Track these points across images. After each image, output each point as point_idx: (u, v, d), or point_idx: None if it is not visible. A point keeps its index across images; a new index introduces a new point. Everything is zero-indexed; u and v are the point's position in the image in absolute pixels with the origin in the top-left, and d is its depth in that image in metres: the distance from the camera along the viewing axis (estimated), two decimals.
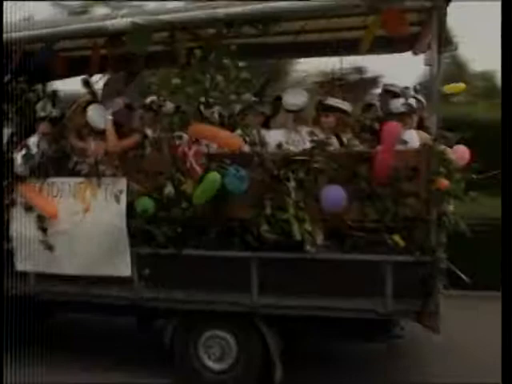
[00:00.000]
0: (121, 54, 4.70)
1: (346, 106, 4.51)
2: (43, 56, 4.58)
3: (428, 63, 4.11)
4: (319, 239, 3.99)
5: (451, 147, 4.41)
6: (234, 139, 4.12)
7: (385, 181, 3.83)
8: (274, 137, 4.29)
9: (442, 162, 3.89)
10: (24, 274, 4.60)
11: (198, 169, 4.00)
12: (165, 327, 4.56)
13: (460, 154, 4.53)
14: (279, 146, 4.20)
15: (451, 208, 4.15)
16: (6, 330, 4.30)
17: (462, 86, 5.74)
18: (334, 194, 3.92)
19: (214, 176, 3.92)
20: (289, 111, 4.55)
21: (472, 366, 4.87)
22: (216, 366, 4.44)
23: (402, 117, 4.35)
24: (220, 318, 4.38)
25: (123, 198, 4.29)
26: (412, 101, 4.54)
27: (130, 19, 4.10)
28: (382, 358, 5.13)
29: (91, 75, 5.18)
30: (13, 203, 4.53)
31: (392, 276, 3.93)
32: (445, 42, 4.46)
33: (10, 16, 4.72)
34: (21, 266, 4.56)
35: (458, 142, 4.59)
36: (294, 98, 4.54)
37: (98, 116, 4.52)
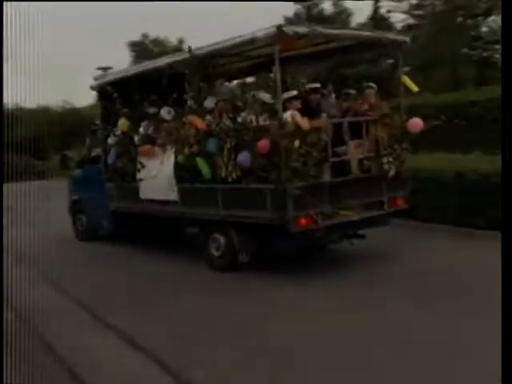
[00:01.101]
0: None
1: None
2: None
3: None
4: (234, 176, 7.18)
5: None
6: None
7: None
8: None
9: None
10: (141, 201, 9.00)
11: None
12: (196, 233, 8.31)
13: (417, 123, 7.69)
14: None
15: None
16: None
17: (414, 88, 7.93)
18: (243, 156, 7.04)
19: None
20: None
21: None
22: (216, 253, 7.92)
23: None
24: (215, 226, 7.86)
25: (172, 159, 8.19)
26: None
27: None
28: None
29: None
30: (137, 160, 8.92)
31: (270, 197, 6.81)
32: None
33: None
34: (142, 194, 8.96)
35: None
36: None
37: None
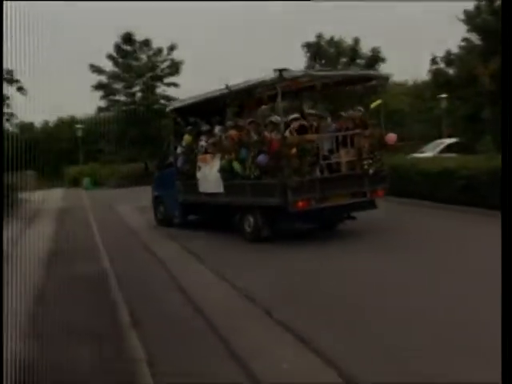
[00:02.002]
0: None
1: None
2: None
3: None
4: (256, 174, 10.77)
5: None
6: None
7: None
8: None
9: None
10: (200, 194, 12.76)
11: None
12: (235, 215, 11.91)
13: (391, 137, 10.97)
14: None
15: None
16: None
17: (378, 101, 10.96)
18: (261, 157, 10.61)
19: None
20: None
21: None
22: (248, 229, 11.56)
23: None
24: (247, 209, 11.53)
25: (218, 163, 11.88)
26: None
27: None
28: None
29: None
30: (197, 164, 12.67)
31: (278, 188, 10.36)
32: None
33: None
34: (200, 188, 12.70)
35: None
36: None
37: None
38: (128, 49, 39.29)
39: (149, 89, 39.30)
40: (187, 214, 14.27)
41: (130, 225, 16.01)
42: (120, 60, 39.03)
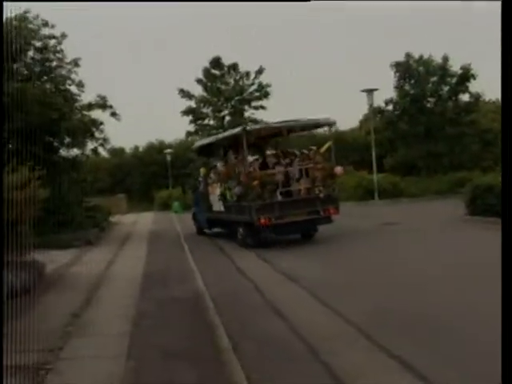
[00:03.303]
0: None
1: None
2: None
3: None
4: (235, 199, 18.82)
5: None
6: None
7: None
8: None
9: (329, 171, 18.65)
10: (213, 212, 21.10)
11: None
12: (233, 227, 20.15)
13: (338, 169, 18.95)
14: None
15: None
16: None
17: (329, 143, 18.43)
18: (237, 188, 18.78)
19: None
20: None
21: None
22: (240, 237, 19.66)
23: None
24: (236, 223, 19.62)
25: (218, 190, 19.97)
26: None
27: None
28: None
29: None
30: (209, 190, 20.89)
31: (247, 209, 18.24)
32: None
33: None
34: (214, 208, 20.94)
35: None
36: None
37: None
38: (216, 73, 48.16)
39: (237, 112, 47.76)
40: (211, 226, 23.17)
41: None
42: (209, 84, 47.93)
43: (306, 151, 19.61)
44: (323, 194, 18.41)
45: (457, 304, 9.53)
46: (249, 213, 18.00)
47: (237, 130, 18.87)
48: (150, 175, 54.75)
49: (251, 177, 17.98)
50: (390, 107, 41.74)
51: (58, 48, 24.64)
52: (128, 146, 60.26)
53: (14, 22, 21.84)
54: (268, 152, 20.23)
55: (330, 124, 20.16)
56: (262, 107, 47.78)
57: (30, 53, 24.20)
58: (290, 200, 18.40)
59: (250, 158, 19.05)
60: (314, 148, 19.54)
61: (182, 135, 53.60)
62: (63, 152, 26.11)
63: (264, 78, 47.38)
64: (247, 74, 47.89)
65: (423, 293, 10.58)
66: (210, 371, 6.88)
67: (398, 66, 41.50)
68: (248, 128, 18.76)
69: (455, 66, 40.64)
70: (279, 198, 18.27)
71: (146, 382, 6.55)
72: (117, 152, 56.32)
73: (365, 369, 6.80)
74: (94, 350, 8.06)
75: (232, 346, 7.73)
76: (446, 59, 40.98)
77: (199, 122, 48.54)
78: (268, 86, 47.14)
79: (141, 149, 59.48)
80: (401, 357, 7.00)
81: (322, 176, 18.55)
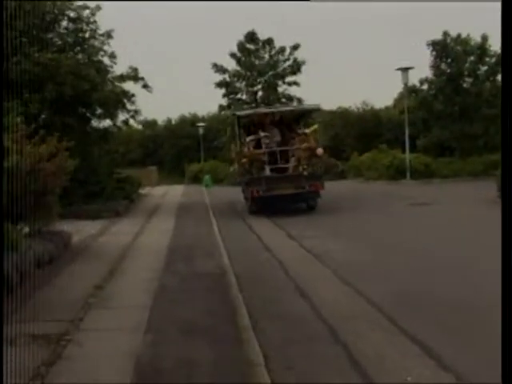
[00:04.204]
0: None
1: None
2: None
3: None
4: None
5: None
6: None
7: None
8: None
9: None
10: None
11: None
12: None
13: (319, 150, 19.98)
14: None
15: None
16: None
17: (315, 126, 20.60)
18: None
19: None
20: None
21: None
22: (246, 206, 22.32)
23: None
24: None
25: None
26: None
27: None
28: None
29: None
30: None
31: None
32: None
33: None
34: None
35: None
36: None
37: None
38: (251, 47, 47.79)
39: (270, 87, 47.42)
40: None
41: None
42: (243, 59, 47.62)
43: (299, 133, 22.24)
44: (307, 171, 20.86)
45: (487, 288, 9.31)
46: (243, 186, 22.32)
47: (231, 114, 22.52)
48: (181, 148, 54.90)
49: (241, 156, 21.45)
50: (425, 86, 41.17)
51: (92, 19, 24.63)
52: (161, 119, 60.38)
53: None
54: (261, 133, 22.44)
55: (316, 109, 24.08)
56: (296, 83, 47.28)
57: (64, 23, 24.23)
58: (276, 176, 21.30)
59: (248, 139, 22.20)
60: (305, 130, 22.58)
61: (214, 109, 53.46)
62: (95, 123, 26.26)
63: (299, 54, 46.83)
64: (282, 49, 47.32)
65: (449, 275, 10.46)
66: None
67: (434, 44, 40.73)
68: (238, 113, 23.19)
69: (495, 46, 39.65)
70: (268, 173, 21.22)
71: (163, 356, 6.50)
72: (149, 124, 56.51)
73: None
74: (114, 322, 8.11)
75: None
76: (485, 38, 39.97)
77: (232, 96, 48.24)
78: (303, 62, 46.57)
79: (173, 121, 59.56)
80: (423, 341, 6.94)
81: (306, 156, 20.99)
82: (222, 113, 50.04)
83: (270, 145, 21.96)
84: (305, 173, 20.67)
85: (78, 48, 24.51)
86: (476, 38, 40.39)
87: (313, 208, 21.95)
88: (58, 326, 7.52)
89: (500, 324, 6.97)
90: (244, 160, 20.93)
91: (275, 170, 21.23)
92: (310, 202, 21.99)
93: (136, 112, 26.74)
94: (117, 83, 25.51)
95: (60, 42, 24.04)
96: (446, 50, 40.61)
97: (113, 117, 25.89)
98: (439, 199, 24.14)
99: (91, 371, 6.18)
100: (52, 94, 20.89)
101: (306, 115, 25.66)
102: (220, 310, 8.52)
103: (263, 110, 23.47)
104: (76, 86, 21.59)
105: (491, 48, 39.94)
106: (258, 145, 21.83)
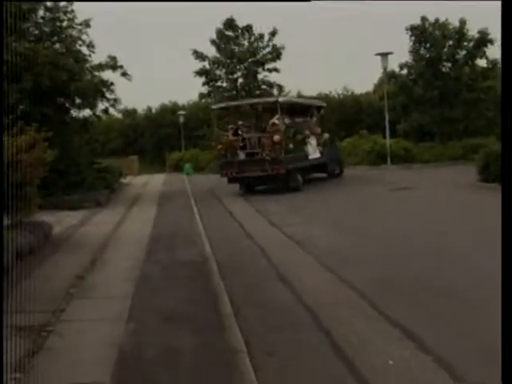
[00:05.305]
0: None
1: None
2: None
3: None
4: None
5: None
6: None
7: None
8: None
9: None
10: None
11: None
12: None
13: (276, 137, 22.72)
14: None
15: None
16: None
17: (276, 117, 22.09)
18: None
19: None
20: None
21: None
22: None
23: None
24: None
25: None
26: None
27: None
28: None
29: None
30: None
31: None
32: None
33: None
34: None
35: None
36: None
37: None
38: (230, 34, 47.65)
39: (250, 74, 47.37)
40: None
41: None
42: (222, 46, 47.47)
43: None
44: (270, 156, 23.58)
45: (468, 272, 9.44)
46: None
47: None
48: (162, 136, 54.56)
49: (219, 141, 25.14)
50: (405, 71, 41.21)
51: (69, 8, 24.38)
52: (141, 107, 59.99)
53: None
54: (239, 122, 26.09)
55: (276, 102, 25.66)
56: (276, 70, 47.28)
57: (41, 12, 23.97)
58: (246, 160, 24.51)
59: (229, 127, 25.61)
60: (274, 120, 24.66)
61: (195, 97, 53.28)
62: (74, 113, 26.03)
63: (278, 41, 46.80)
64: (261, 36, 47.26)
65: (431, 260, 10.53)
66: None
67: (413, 29, 40.72)
68: (213, 106, 28.78)
69: (472, 31, 39.97)
70: (241, 158, 24.55)
71: (145, 345, 6.51)
72: (129, 113, 56.16)
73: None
74: (96, 312, 8.09)
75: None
76: (463, 23, 40.13)
77: (212, 83, 48.13)
78: (282, 48, 46.51)
79: (154, 110, 59.18)
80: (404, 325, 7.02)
81: (268, 143, 23.81)
82: (203, 101, 49.98)
83: (246, 133, 25.35)
84: (267, 158, 23.50)
85: (56, 38, 24.24)
86: (454, 23, 40.57)
87: (296, 189, 24.12)
88: (39, 318, 7.47)
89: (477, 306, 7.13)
90: (220, 146, 24.79)
91: (249, 155, 24.45)
92: (291, 184, 24.35)
93: (115, 101, 26.43)
94: (95, 72, 25.28)
95: (37, 32, 23.76)
96: (424, 34, 40.62)
97: (92, 106, 25.63)
98: (420, 184, 24.23)
99: (73, 362, 6.17)
100: (30, 84, 20.65)
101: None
102: (202, 297, 8.51)
103: (237, 102, 28.75)
104: (54, 77, 21.36)
105: (469, 32, 40.16)
106: (236, 133, 25.14)
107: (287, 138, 24.70)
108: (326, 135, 29.63)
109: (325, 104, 34.46)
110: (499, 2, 5.02)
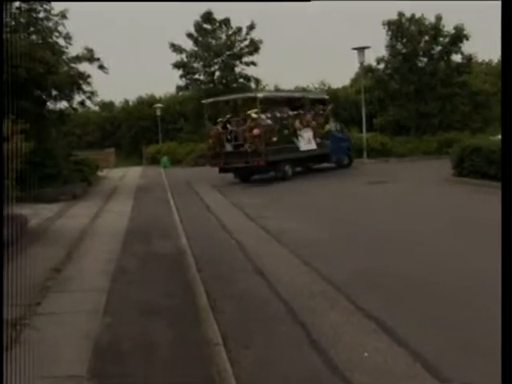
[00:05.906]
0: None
1: None
2: None
3: None
4: None
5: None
6: None
7: None
8: None
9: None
10: None
11: None
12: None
13: (256, 130, 23.18)
14: None
15: None
16: None
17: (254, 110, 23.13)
18: None
19: None
20: None
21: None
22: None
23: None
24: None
25: None
26: None
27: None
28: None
29: None
30: None
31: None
32: None
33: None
34: None
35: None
36: None
37: None
38: (208, 28, 47.47)
39: (227, 68, 47.25)
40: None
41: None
42: (200, 39, 47.28)
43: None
44: (250, 149, 24.74)
45: (442, 264, 9.57)
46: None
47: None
48: (139, 129, 54.17)
49: (209, 134, 26.92)
50: (382, 66, 41.39)
51: None
52: (118, 100, 59.53)
53: None
54: (227, 116, 27.17)
55: (254, 98, 26.57)
56: (253, 63, 47.23)
57: (16, 3, 23.64)
58: (231, 151, 25.86)
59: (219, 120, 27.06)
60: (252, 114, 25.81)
61: (172, 90, 53.03)
62: (51, 105, 25.75)
63: (255, 34, 46.73)
64: (239, 29, 47.14)
65: (406, 253, 10.60)
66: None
67: (390, 24, 41.00)
68: (204, 101, 29.03)
69: (448, 26, 40.23)
70: (228, 150, 25.90)
71: (122, 338, 6.51)
72: (106, 106, 55.73)
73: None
74: (72, 305, 8.04)
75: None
76: (438, 19, 40.42)
77: (189, 76, 47.94)
78: (259, 42, 46.44)
79: (131, 103, 58.73)
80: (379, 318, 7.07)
81: (249, 136, 24.86)
82: (180, 93, 49.84)
83: (233, 126, 26.30)
84: (249, 150, 24.77)
85: (32, 29, 23.94)
86: (430, 19, 40.82)
87: (284, 179, 25.40)
88: (14, 311, 7.40)
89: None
90: (210, 139, 26.54)
91: (235, 147, 25.72)
92: (278, 174, 25.85)
93: (92, 93, 26.19)
94: (72, 64, 25.03)
95: (13, 23, 23.44)
96: (401, 29, 40.87)
97: (69, 98, 25.41)
98: (396, 178, 24.37)
99: (49, 355, 6.13)
100: (4, 76, 20.37)
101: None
102: (178, 290, 8.49)
103: (225, 97, 29.58)
104: (30, 68, 21.10)
105: (445, 28, 40.40)
106: (225, 126, 26.35)
107: (270, 131, 25.59)
108: (328, 126, 30.26)
109: (327, 96, 34.44)
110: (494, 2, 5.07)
